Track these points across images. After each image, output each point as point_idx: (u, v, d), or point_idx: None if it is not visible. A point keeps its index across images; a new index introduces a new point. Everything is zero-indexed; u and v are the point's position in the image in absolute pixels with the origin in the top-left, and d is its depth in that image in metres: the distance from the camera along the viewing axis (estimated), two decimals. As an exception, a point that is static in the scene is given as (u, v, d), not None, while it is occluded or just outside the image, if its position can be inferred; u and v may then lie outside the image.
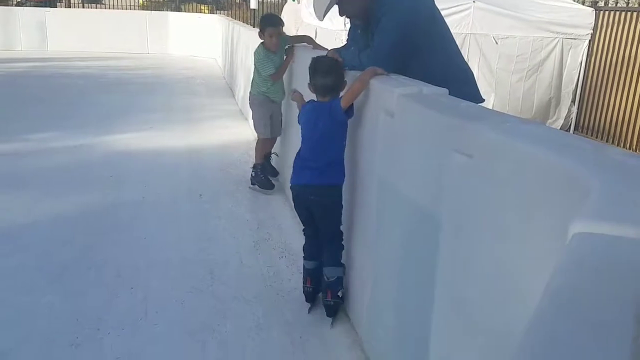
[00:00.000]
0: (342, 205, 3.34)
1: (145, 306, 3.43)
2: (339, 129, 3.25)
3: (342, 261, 3.39)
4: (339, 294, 3.35)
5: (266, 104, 5.42)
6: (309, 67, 3.39)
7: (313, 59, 3.43)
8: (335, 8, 3.53)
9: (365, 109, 3.13)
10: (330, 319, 3.37)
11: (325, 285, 3.35)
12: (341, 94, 3.25)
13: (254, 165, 5.59)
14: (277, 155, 5.72)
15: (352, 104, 3.15)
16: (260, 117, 5.48)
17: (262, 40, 5.31)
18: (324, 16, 3.60)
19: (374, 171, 2.92)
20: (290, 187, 3.49)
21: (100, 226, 4.54)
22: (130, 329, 3.20)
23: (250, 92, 5.60)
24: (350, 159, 3.32)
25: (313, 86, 3.34)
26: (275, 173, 5.69)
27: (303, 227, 3.56)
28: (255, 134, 5.73)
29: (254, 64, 5.41)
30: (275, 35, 5.17)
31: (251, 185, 5.55)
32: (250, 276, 3.86)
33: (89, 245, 4.20)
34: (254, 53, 5.38)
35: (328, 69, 3.28)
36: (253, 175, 5.54)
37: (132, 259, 4.02)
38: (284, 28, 5.43)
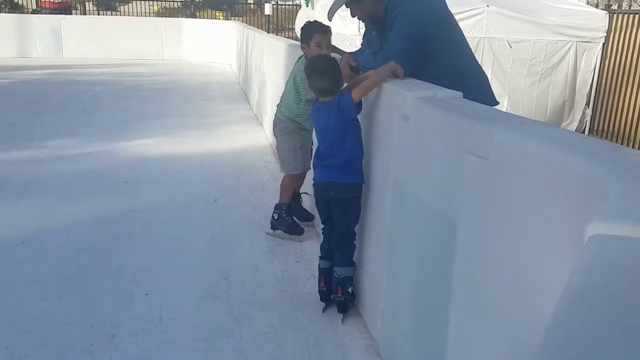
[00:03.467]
0: (360, 206, 3.37)
1: (160, 312, 3.43)
2: (350, 124, 3.27)
3: (353, 260, 3.43)
4: (350, 289, 3.41)
5: (296, 133, 4.52)
6: (305, 69, 3.47)
7: (308, 60, 3.46)
8: (348, 10, 3.57)
9: (380, 112, 3.13)
10: (341, 315, 3.41)
11: (336, 283, 3.40)
12: (345, 85, 3.32)
13: (278, 205, 4.59)
14: (308, 194, 4.72)
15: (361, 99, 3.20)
16: (290, 148, 4.54)
17: (303, 53, 4.32)
18: (331, 17, 3.64)
19: (389, 173, 2.92)
20: (313, 184, 3.55)
21: (116, 232, 4.56)
22: (145, 336, 3.20)
23: (276, 116, 4.64)
24: (365, 161, 3.33)
25: (312, 88, 3.42)
26: (308, 217, 4.74)
27: (322, 226, 3.61)
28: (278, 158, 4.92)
29: (293, 82, 4.42)
30: (325, 45, 4.11)
31: (270, 231, 4.59)
32: (265, 281, 3.86)
33: (105, 251, 4.22)
34: (295, 67, 4.41)
35: (323, 70, 3.31)
36: (276, 217, 4.55)
37: (148, 264, 4.03)
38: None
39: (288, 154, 4.55)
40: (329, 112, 3.26)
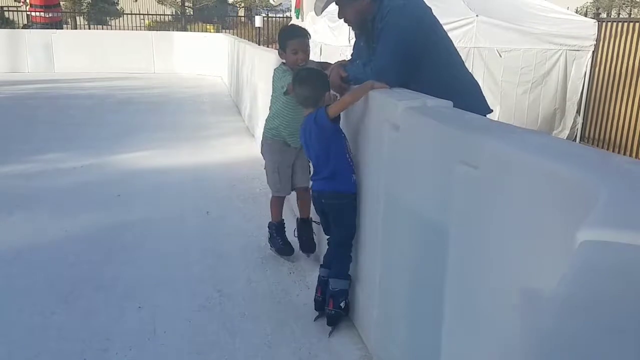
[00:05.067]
0: (354, 214, 3.36)
1: (153, 325, 3.41)
2: (330, 137, 3.29)
3: (349, 273, 3.41)
4: (341, 304, 3.37)
5: (281, 153, 4.27)
6: (293, 78, 3.54)
7: (297, 69, 3.51)
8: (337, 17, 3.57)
9: (370, 123, 3.14)
10: (330, 328, 3.38)
11: (329, 295, 3.38)
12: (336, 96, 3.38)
13: (269, 223, 4.48)
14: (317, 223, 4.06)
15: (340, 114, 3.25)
16: (273, 169, 4.31)
17: (282, 61, 4.12)
18: (319, 12, 3.63)
19: (380, 183, 2.92)
20: (311, 194, 3.61)
21: (109, 245, 4.55)
22: (138, 349, 3.18)
23: (263, 134, 4.40)
24: (356, 172, 3.33)
25: (296, 97, 3.50)
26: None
27: (327, 237, 3.63)
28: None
29: (272, 89, 4.22)
30: (301, 49, 3.93)
31: (271, 249, 4.48)
32: (258, 293, 3.85)
33: (97, 264, 4.20)
34: (274, 74, 4.17)
35: (303, 79, 3.36)
36: (269, 236, 4.47)
37: (140, 277, 4.01)
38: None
39: (272, 175, 4.34)
40: (310, 127, 3.31)
